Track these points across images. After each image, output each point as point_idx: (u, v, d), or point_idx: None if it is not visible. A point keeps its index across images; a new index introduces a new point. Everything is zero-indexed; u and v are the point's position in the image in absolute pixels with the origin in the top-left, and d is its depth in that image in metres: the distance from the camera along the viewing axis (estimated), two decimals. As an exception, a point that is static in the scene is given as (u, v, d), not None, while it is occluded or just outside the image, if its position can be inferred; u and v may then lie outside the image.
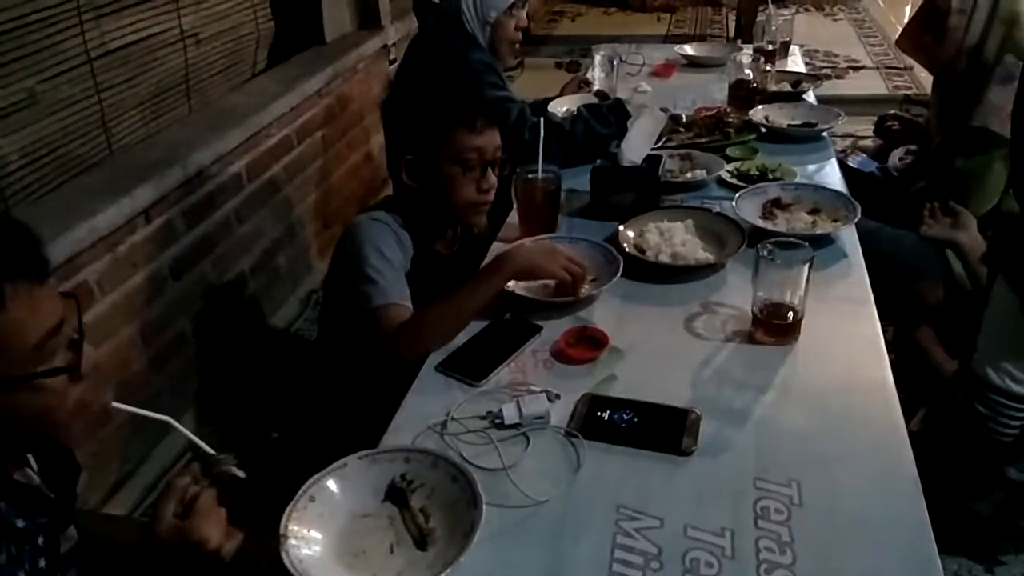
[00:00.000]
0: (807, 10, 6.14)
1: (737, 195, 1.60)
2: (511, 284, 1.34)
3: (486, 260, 1.43)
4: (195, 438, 0.87)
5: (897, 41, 2.23)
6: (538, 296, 1.34)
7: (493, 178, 1.40)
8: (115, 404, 0.85)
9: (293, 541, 0.87)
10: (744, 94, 2.17)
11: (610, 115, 1.87)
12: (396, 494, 0.95)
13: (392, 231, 1.35)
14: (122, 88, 1.99)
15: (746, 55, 2.37)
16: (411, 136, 1.37)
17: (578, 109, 1.93)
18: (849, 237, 1.50)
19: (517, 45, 1.93)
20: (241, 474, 0.87)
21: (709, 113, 2.10)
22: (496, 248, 1.53)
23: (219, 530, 0.84)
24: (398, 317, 1.25)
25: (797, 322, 1.21)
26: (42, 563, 0.81)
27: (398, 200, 1.42)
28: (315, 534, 0.90)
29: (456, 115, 1.34)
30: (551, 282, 1.34)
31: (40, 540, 0.82)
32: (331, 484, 0.95)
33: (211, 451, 0.87)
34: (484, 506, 0.89)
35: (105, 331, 1.72)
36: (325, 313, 1.55)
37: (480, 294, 1.27)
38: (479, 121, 1.35)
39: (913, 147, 2.31)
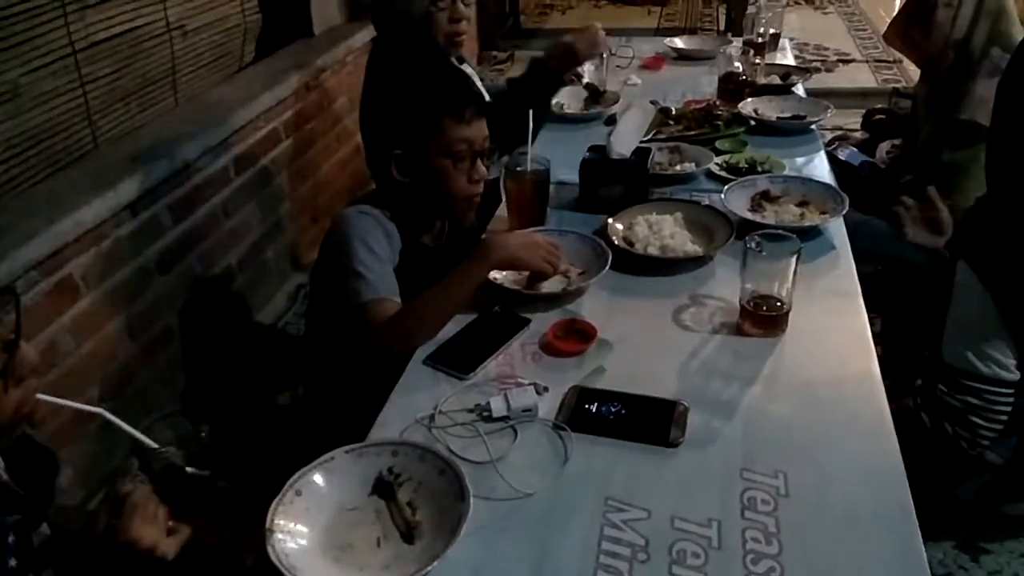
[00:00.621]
0: (798, 3, 6.15)
1: (726, 188, 1.60)
2: (499, 277, 1.34)
3: None
4: (132, 430, 0.86)
5: (884, 35, 2.24)
6: (527, 290, 1.34)
7: (483, 169, 1.40)
8: (41, 396, 0.81)
9: (280, 535, 0.87)
10: (733, 87, 2.17)
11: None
12: (383, 487, 0.95)
13: (380, 224, 1.34)
14: (107, 80, 1.97)
15: (736, 48, 2.38)
16: (399, 130, 1.35)
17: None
18: (837, 229, 1.50)
19: (458, 37, 1.87)
20: (181, 464, 0.85)
21: (698, 106, 2.10)
22: (485, 241, 1.53)
23: (153, 528, 0.82)
24: (387, 311, 1.24)
25: (785, 314, 1.21)
26: (12, 562, 0.80)
27: (384, 194, 1.41)
28: (302, 528, 0.90)
29: (444, 107, 1.33)
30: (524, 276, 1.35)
31: (10, 538, 0.81)
32: (318, 478, 0.94)
33: (149, 443, 0.86)
34: (471, 499, 0.89)
35: (90, 326, 1.71)
36: (313, 307, 1.55)
37: (464, 284, 1.27)
38: (468, 112, 1.34)
39: (898, 141, 2.31)
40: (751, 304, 1.21)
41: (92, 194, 1.70)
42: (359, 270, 1.26)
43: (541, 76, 1.94)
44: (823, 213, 1.52)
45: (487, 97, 1.83)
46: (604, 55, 2.26)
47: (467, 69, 1.94)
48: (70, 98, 1.86)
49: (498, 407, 1.07)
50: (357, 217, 1.33)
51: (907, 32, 2.01)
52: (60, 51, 1.82)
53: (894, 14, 2.13)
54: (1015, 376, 1.17)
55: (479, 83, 1.96)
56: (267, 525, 0.87)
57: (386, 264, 1.30)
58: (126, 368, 1.82)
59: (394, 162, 1.36)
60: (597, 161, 1.64)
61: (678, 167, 1.79)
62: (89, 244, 1.69)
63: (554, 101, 2.18)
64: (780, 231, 1.23)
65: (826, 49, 4.92)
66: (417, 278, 1.30)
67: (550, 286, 1.34)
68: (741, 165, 1.78)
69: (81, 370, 1.69)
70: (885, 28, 2.21)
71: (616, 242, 1.45)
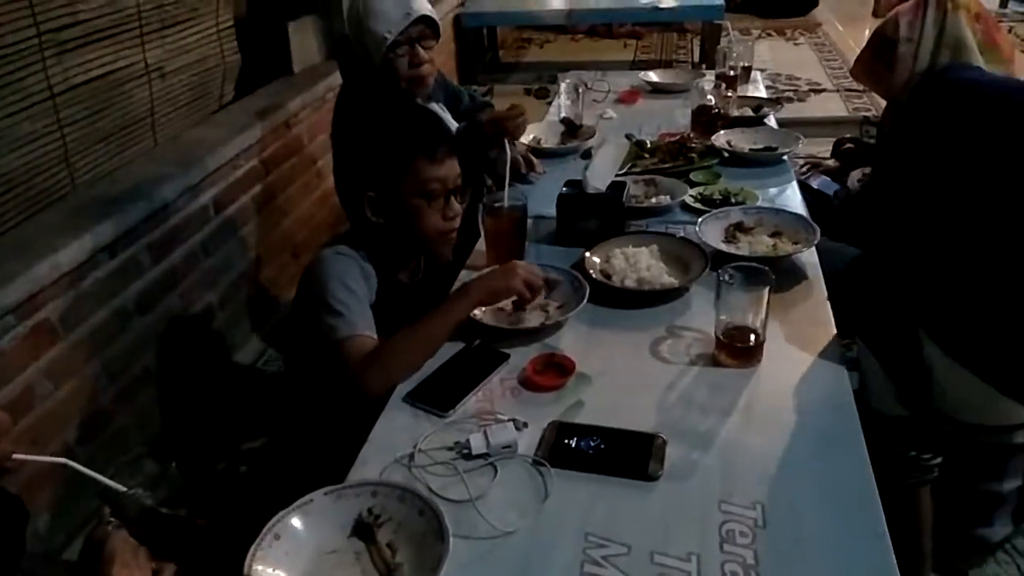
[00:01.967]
0: (770, 35, 6.30)
1: (700, 219, 1.62)
2: (477, 314, 1.35)
3: (454, 288, 1.44)
4: (99, 476, 0.86)
5: (851, 71, 2.30)
6: (505, 324, 1.35)
7: (457, 206, 1.41)
8: (16, 456, 0.82)
9: (258, 581, 0.86)
10: (707, 119, 2.21)
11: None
12: (363, 529, 0.95)
13: (356, 264, 1.35)
14: (86, 123, 1.98)
15: (708, 81, 2.42)
16: (371, 172, 1.37)
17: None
18: (809, 259, 1.53)
19: (421, 80, 1.88)
20: (150, 503, 0.85)
21: (673, 139, 2.14)
22: (464, 277, 1.54)
23: (136, 571, 0.82)
24: (364, 348, 1.25)
25: (759, 345, 1.22)
26: None
27: (360, 234, 1.42)
28: (280, 573, 0.89)
29: (416, 147, 1.35)
30: (509, 305, 1.36)
31: None
32: (296, 521, 0.94)
33: (120, 488, 0.86)
34: (451, 538, 0.89)
35: (68, 369, 1.69)
36: (291, 347, 1.55)
37: (444, 324, 1.28)
38: (439, 151, 1.36)
39: (868, 169, 2.36)
40: (726, 335, 1.23)
41: (69, 236, 1.70)
42: (336, 307, 1.27)
43: (477, 136, 1.94)
44: (795, 243, 1.55)
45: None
46: (580, 89, 2.31)
47: (435, 108, 1.97)
48: (48, 141, 1.87)
49: (478, 444, 1.08)
50: (334, 258, 1.34)
51: (873, 68, 2.06)
52: (38, 95, 1.83)
53: (860, 50, 2.19)
54: (897, 413, 1.20)
55: (451, 119, 2.00)
56: (245, 571, 0.86)
57: (363, 302, 1.31)
58: (104, 410, 1.80)
59: (368, 204, 1.37)
60: (574, 195, 1.66)
61: (653, 199, 1.82)
62: (67, 287, 1.68)
63: (530, 136, 2.23)
64: (753, 264, 1.25)
65: (798, 79, 5.03)
66: (395, 315, 1.30)
67: (529, 321, 1.36)
68: (715, 197, 1.81)
69: (58, 413, 1.67)
70: (852, 64, 2.27)
71: (594, 275, 1.47)
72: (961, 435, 1.22)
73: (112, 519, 0.84)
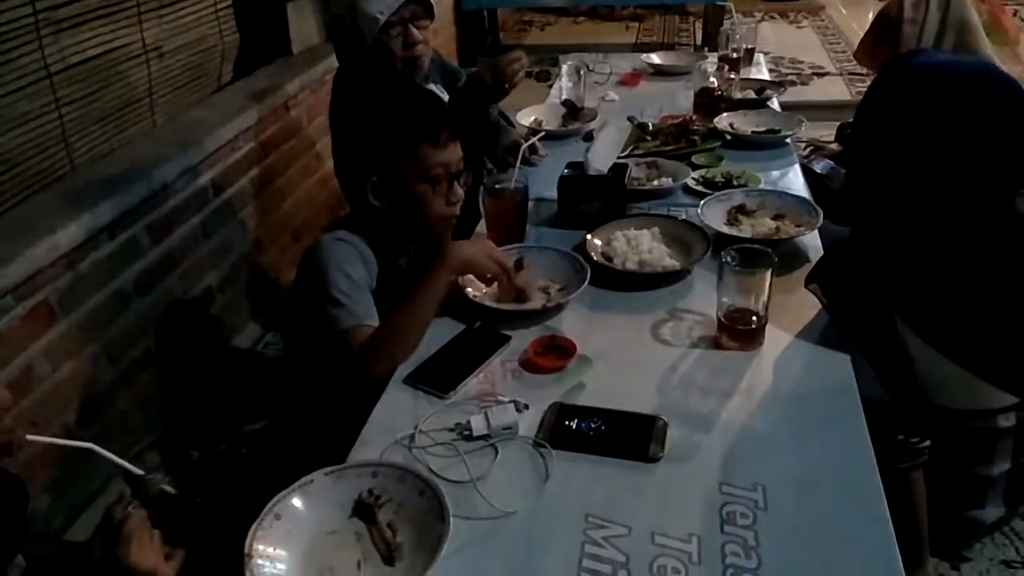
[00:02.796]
0: (772, 18, 6.25)
1: (702, 202, 1.62)
2: (478, 295, 1.35)
3: None
4: (120, 460, 0.87)
5: (855, 54, 2.28)
6: (506, 306, 1.35)
7: (460, 191, 1.40)
8: (30, 437, 0.83)
9: (259, 560, 0.86)
10: (709, 102, 2.20)
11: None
12: (363, 509, 0.95)
13: (356, 250, 1.34)
14: (83, 103, 1.96)
15: (711, 63, 2.41)
16: (374, 157, 1.35)
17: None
18: (812, 242, 1.52)
19: (416, 60, 1.87)
20: (172, 491, 0.86)
21: (675, 121, 2.13)
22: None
23: (152, 553, 0.82)
24: (365, 336, 1.24)
25: (761, 327, 1.22)
26: None
27: (360, 218, 1.41)
28: (281, 552, 0.89)
29: (420, 132, 1.33)
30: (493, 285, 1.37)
31: None
32: (297, 501, 0.94)
33: (139, 472, 0.86)
34: (452, 519, 0.89)
35: (67, 350, 1.69)
36: (291, 330, 1.54)
37: (430, 296, 1.27)
38: (443, 136, 1.35)
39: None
40: (728, 318, 1.22)
41: (68, 217, 1.69)
42: (337, 297, 1.26)
43: (478, 91, 1.90)
44: (798, 226, 1.54)
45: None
46: (582, 72, 2.29)
47: (432, 89, 1.95)
48: (45, 121, 1.85)
49: (478, 426, 1.08)
50: (333, 244, 1.33)
51: (876, 50, 2.06)
52: (35, 74, 1.81)
53: (864, 33, 2.17)
54: (882, 398, 1.20)
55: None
56: (246, 550, 0.86)
57: (364, 290, 1.30)
58: (104, 392, 1.80)
59: (370, 189, 1.36)
60: (575, 178, 1.65)
61: (655, 182, 1.80)
62: (65, 268, 1.67)
63: (532, 118, 2.21)
64: (755, 245, 1.25)
65: (801, 62, 4.99)
66: (396, 300, 1.30)
67: (531, 303, 1.35)
68: (717, 179, 1.80)
69: (58, 395, 1.67)
70: (856, 46, 2.25)
71: (595, 258, 1.46)
72: (946, 420, 1.22)
73: (132, 500, 0.84)
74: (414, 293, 1.27)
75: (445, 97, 2.02)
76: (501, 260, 1.33)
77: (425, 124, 1.34)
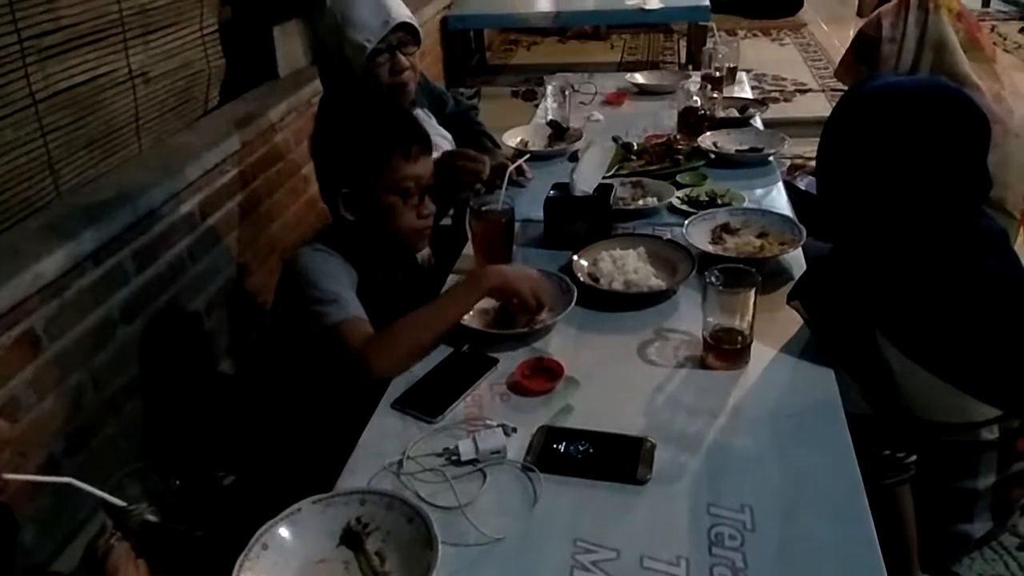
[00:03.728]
0: (755, 35, 6.33)
1: (687, 221, 1.63)
2: (465, 318, 1.35)
3: (444, 288, 1.44)
4: (100, 493, 0.86)
5: (835, 72, 2.32)
6: (493, 328, 1.35)
7: (431, 204, 1.43)
8: (7, 476, 0.82)
9: (246, 592, 0.86)
10: (693, 121, 2.22)
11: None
12: (351, 538, 0.94)
13: (336, 259, 1.36)
14: (69, 130, 1.96)
15: (694, 83, 2.43)
16: (346, 169, 1.37)
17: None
18: (796, 260, 1.54)
19: (403, 88, 1.87)
20: (154, 519, 0.85)
21: (659, 140, 2.15)
22: (452, 280, 1.54)
23: None
24: (361, 331, 1.24)
25: (746, 346, 1.23)
26: None
27: (337, 232, 1.42)
28: (268, 583, 0.88)
29: (391, 144, 1.35)
30: (491, 308, 1.38)
31: None
32: (284, 531, 0.93)
33: (120, 503, 0.86)
34: (440, 546, 0.89)
35: (53, 379, 1.67)
36: (275, 350, 1.54)
37: (456, 308, 1.29)
38: (414, 148, 1.36)
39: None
40: (713, 337, 1.23)
41: (54, 245, 1.68)
42: (324, 296, 1.26)
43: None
44: (782, 244, 1.55)
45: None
46: (567, 92, 2.31)
47: (419, 114, 1.97)
48: (31, 148, 1.85)
49: (466, 450, 1.08)
50: (313, 254, 1.35)
51: (856, 69, 2.09)
52: (20, 102, 1.81)
53: (844, 51, 2.21)
54: (866, 412, 1.21)
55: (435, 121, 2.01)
56: (233, 582, 0.86)
57: (350, 290, 1.31)
58: (91, 420, 1.78)
59: (342, 201, 1.37)
60: (561, 199, 1.66)
61: (640, 202, 1.82)
62: (51, 295, 1.66)
63: (518, 139, 2.23)
64: (739, 265, 1.26)
65: (784, 79, 5.06)
66: (374, 312, 1.30)
67: (517, 324, 1.36)
68: (702, 198, 1.81)
69: (44, 425, 1.65)
70: (836, 65, 2.29)
71: (581, 279, 1.47)
72: (929, 434, 1.23)
73: (115, 532, 0.84)
74: (438, 301, 1.29)
75: (432, 122, 2.04)
76: (542, 297, 1.33)
77: (397, 136, 1.36)
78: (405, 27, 1.82)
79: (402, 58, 1.83)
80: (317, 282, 1.28)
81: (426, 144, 1.40)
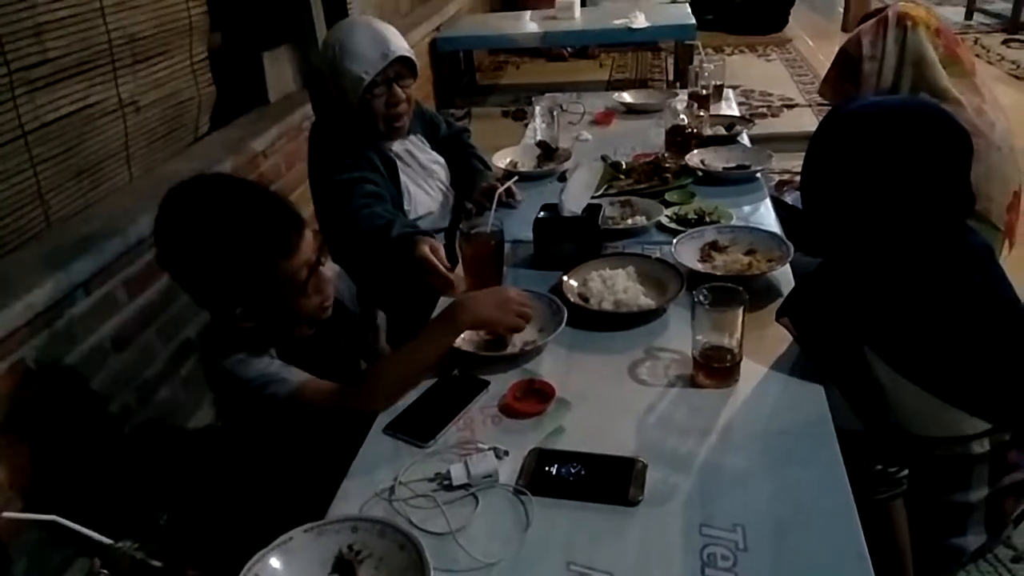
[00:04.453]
0: (742, 51, 6.40)
1: (676, 240, 1.64)
2: (456, 340, 1.35)
3: (435, 314, 1.44)
4: (86, 531, 0.86)
5: (820, 91, 2.34)
6: (484, 351, 1.35)
7: (326, 272, 1.32)
8: (5, 514, 0.83)
9: (237, 624, 0.85)
10: (680, 139, 2.24)
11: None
12: (344, 566, 0.94)
13: (249, 358, 1.27)
14: (59, 160, 1.97)
15: (681, 101, 2.46)
16: (232, 294, 1.23)
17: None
18: (784, 277, 1.55)
19: (397, 120, 1.87)
20: (141, 556, 0.85)
21: (647, 159, 2.16)
22: (444, 303, 1.54)
23: None
24: (319, 387, 1.25)
25: (736, 365, 1.23)
26: None
27: (234, 334, 1.29)
28: (260, 615, 0.88)
29: (274, 253, 1.21)
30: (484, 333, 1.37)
31: None
32: (275, 561, 0.93)
33: (104, 540, 0.86)
34: (432, 573, 0.88)
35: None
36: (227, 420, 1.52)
37: (433, 348, 1.29)
38: (292, 239, 1.22)
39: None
40: (703, 356, 1.23)
41: (44, 275, 1.68)
42: (260, 385, 1.24)
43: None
44: (770, 261, 1.56)
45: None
46: (555, 112, 2.33)
47: (414, 141, 2.01)
48: (20, 179, 1.85)
49: (458, 475, 1.07)
50: (227, 368, 1.26)
51: (840, 86, 2.12)
52: (10, 133, 1.81)
53: (828, 68, 2.23)
54: (856, 427, 1.22)
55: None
56: (224, 614, 0.85)
57: (277, 366, 1.28)
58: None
59: (238, 318, 1.25)
60: (550, 219, 1.67)
61: (629, 221, 1.83)
62: (42, 326, 1.66)
63: (507, 159, 2.25)
64: (727, 284, 1.26)
65: (771, 95, 5.11)
66: (305, 362, 1.31)
67: (508, 347, 1.36)
68: (690, 216, 1.83)
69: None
70: (820, 82, 2.32)
71: (572, 299, 1.47)
72: (920, 448, 1.24)
73: (103, 571, 0.84)
74: (415, 342, 1.28)
75: (426, 147, 2.05)
76: (527, 313, 1.34)
77: (273, 241, 1.21)
78: (403, 60, 1.83)
79: (399, 90, 1.84)
80: (250, 381, 1.24)
81: (298, 223, 1.25)
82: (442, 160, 2.09)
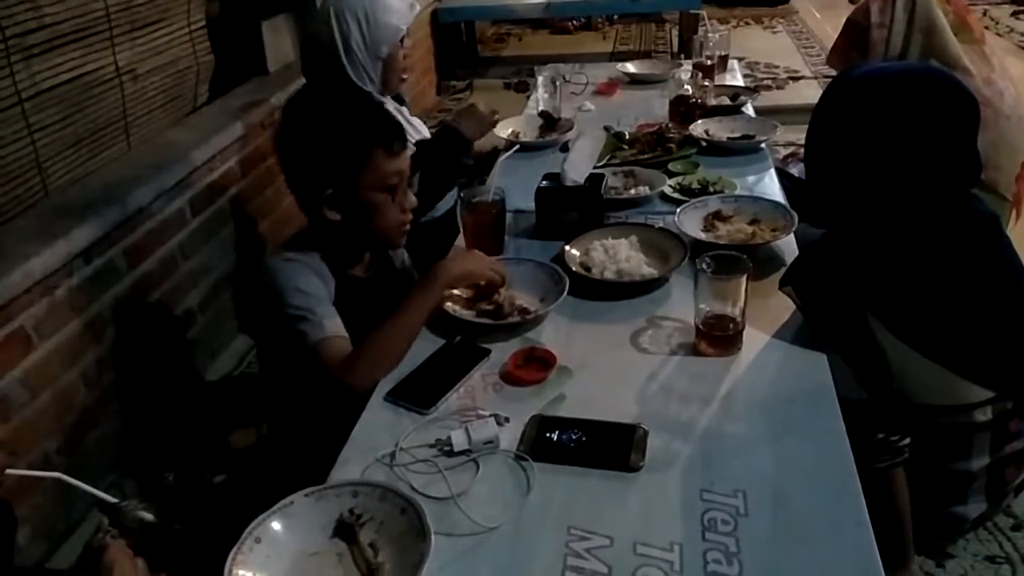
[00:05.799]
0: (747, 23, 6.31)
1: (679, 209, 1.62)
2: (457, 310, 1.35)
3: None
4: (93, 490, 0.86)
5: (828, 60, 2.31)
6: (486, 320, 1.35)
7: (413, 198, 1.41)
8: (10, 471, 0.83)
9: (239, 586, 0.85)
10: (684, 109, 2.21)
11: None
12: (344, 529, 0.94)
13: (307, 266, 1.32)
14: (57, 128, 1.95)
15: (685, 71, 2.43)
16: (329, 170, 1.32)
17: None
18: (788, 246, 1.53)
19: (406, 71, 1.97)
20: (150, 517, 0.85)
21: (651, 129, 2.14)
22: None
23: None
24: (338, 349, 1.24)
25: (738, 333, 1.23)
26: None
27: (313, 234, 1.39)
28: (262, 576, 0.88)
29: (374, 141, 1.32)
30: (467, 292, 1.39)
31: None
32: (277, 524, 0.93)
33: (113, 500, 0.86)
34: (433, 536, 0.88)
35: (45, 377, 1.67)
36: (263, 350, 1.53)
37: (419, 310, 1.28)
38: (396, 144, 1.34)
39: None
40: (705, 324, 1.23)
41: (43, 243, 1.67)
42: (299, 315, 1.26)
43: (450, 139, 1.96)
44: (774, 230, 1.55)
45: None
46: (558, 82, 2.30)
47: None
48: (18, 147, 1.84)
49: (459, 441, 1.07)
50: (281, 265, 1.32)
51: (847, 55, 2.09)
52: (6, 101, 1.80)
53: (835, 38, 2.20)
54: (860, 396, 1.22)
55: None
56: (225, 575, 0.85)
57: (324, 302, 1.30)
58: (84, 418, 1.78)
59: (325, 202, 1.33)
60: (552, 189, 1.66)
61: (632, 191, 1.81)
62: (41, 294, 1.66)
63: (509, 130, 2.22)
64: (730, 252, 1.25)
65: (776, 67, 5.05)
66: (353, 310, 1.30)
67: (509, 315, 1.35)
68: (694, 186, 1.81)
69: (37, 422, 1.65)
70: (828, 52, 2.28)
71: (573, 268, 1.46)
72: (923, 416, 1.23)
73: (111, 529, 0.84)
74: (401, 309, 1.28)
75: (405, 111, 2.05)
76: (499, 268, 1.37)
77: (379, 132, 1.34)
78: None
79: (408, 41, 1.93)
80: (290, 299, 1.26)
81: (404, 138, 1.38)
82: (418, 122, 2.11)
